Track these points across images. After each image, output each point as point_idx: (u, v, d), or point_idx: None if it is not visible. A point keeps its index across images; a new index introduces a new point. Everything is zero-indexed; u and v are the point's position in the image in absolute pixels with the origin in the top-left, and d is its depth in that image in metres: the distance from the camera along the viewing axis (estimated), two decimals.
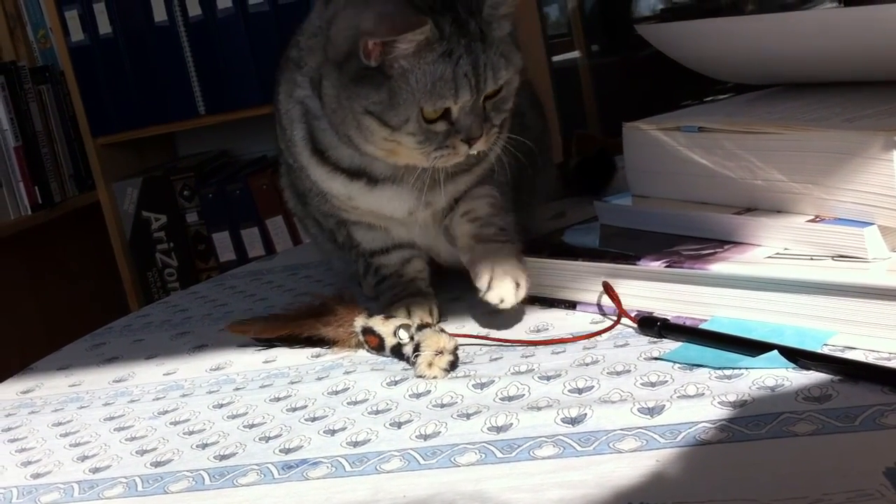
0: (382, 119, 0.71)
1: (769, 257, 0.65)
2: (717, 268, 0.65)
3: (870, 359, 0.56)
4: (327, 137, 0.78)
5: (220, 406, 0.71)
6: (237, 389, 0.74)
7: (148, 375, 0.83)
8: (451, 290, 0.90)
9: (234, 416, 0.69)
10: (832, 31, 0.71)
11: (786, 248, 0.66)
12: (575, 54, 2.55)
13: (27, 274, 2.34)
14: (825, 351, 0.58)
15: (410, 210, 0.79)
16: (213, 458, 0.62)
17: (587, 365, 0.65)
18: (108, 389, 0.81)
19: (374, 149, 0.74)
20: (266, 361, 0.79)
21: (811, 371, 0.56)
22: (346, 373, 0.73)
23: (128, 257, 2.27)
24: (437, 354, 0.69)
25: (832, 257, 0.62)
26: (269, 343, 0.83)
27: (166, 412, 0.73)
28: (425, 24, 0.67)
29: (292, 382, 0.73)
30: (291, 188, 0.96)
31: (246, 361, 0.80)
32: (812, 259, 0.63)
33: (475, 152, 0.73)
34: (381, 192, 0.79)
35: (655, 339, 0.67)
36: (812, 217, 0.66)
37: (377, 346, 0.75)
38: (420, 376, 0.69)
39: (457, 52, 0.69)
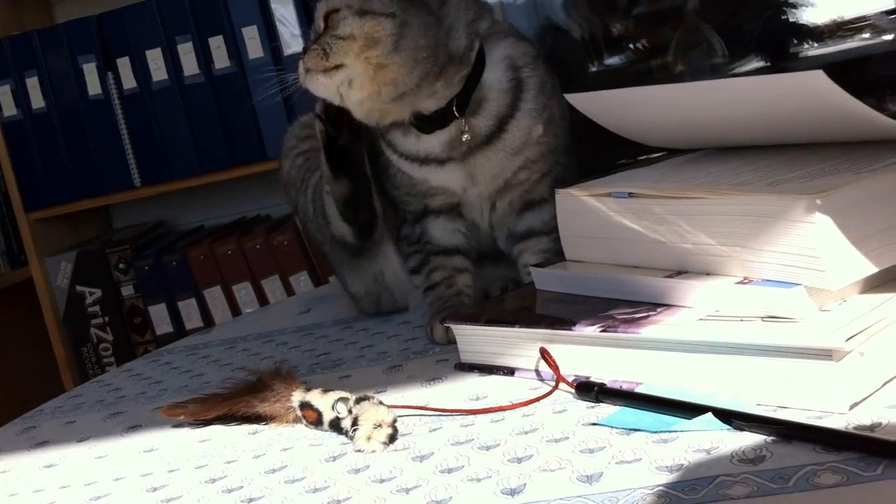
0: None
1: (701, 319, 0.66)
2: (647, 331, 0.66)
3: (802, 418, 0.57)
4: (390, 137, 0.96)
5: (154, 490, 0.69)
6: (171, 471, 0.72)
7: (79, 459, 0.80)
8: (390, 358, 0.90)
9: (168, 501, 0.67)
10: (750, 97, 0.73)
11: (717, 310, 0.67)
12: None
13: None
14: (758, 411, 0.59)
15: (464, 186, 0.94)
16: None
17: (526, 433, 0.65)
18: (38, 475, 0.79)
19: None
20: (202, 441, 0.78)
21: (745, 432, 0.57)
22: (284, 449, 0.72)
23: (62, 333, 2.22)
24: (375, 428, 0.68)
25: (762, 318, 0.63)
26: (204, 423, 0.81)
27: (98, 498, 0.70)
28: None
29: (228, 462, 0.72)
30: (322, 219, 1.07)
31: (180, 441, 0.79)
32: (742, 320, 0.64)
33: (309, 65, 0.89)
34: (445, 171, 0.93)
35: (593, 404, 0.67)
36: (741, 279, 0.67)
37: (315, 420, 0.74)
38: (359, 450, 0.68)
39: None
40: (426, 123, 0.92)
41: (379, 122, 0.94)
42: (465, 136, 0.91)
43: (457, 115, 0.91)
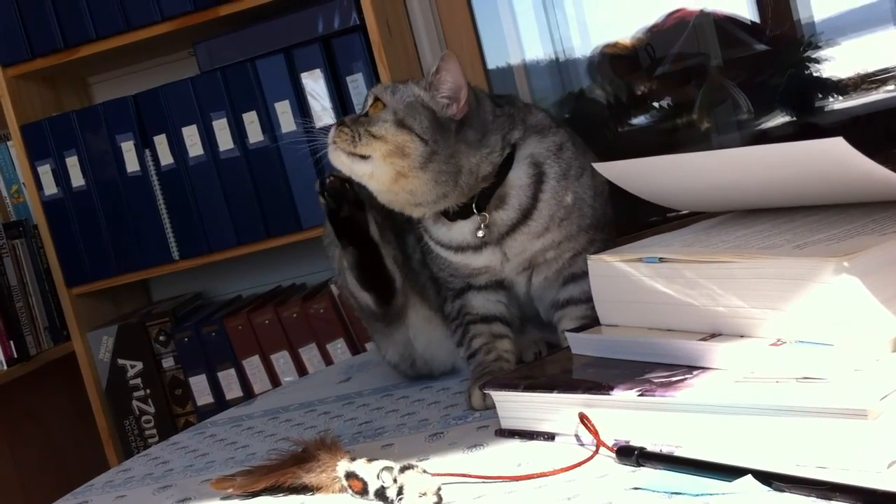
0: None
1: (737, 382, 0.67)
2: (684, 395, 0.67)
3: (840, 477, 0.58)
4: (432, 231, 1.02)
5: None
6: None
7: None
8: (431, 426, 0.91)
9: None
10: (774, 164, 0.75)
11: (752, 372, 0.68)
12: None
13: (2, 429, 2.30)
14: (797, 472, 0.60)
15: (501, 261, 0.99)
16: None
17: (569, 499, 0.66)
18: None
19: None
20: None
21: (785, 493, 0.58)
22: None
23: (104, 406, 2.25)
24: (420, 496, 0.70)
25: (796, 379, 0.65)
26: (252, 495, 0.83)
27: None
28: None
29: None
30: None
31: None
32: (777, 382, 0.65)
33: (337, 140, 0.94)
34: (484, 255, 0.99)
35: (634, 468, 0.68)
36: (774, 340, 0.68)
37: (361, 490, 0.76)
38: None
39: None
40: (450, 214, 0.98)
41: (402, 212, 0.99)
42: (481, 233, 0.97)
43: (475, 211, 0.97)
